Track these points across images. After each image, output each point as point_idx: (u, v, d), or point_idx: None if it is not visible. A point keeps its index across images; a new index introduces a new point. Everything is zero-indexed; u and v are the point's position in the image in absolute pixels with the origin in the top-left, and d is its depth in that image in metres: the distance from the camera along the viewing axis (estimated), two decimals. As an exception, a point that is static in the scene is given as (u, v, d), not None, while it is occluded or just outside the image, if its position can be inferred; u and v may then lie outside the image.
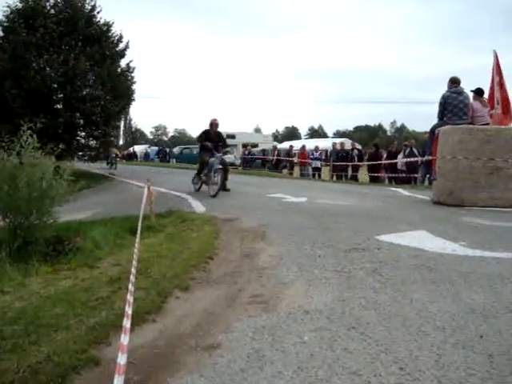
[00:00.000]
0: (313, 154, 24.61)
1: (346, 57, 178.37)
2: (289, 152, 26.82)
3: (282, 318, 3.46)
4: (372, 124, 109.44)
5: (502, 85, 11.41)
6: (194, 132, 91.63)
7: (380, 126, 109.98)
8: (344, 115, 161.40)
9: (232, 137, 38.57)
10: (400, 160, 17.94)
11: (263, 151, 30.23)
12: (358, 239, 6.00)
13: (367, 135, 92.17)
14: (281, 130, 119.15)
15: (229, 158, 34.27)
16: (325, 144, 33.47)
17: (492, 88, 11.37)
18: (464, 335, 3.04)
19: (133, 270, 3.39)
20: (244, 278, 4.62)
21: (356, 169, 21.68)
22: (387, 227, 6.79)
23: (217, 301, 4.01)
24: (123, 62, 22.80)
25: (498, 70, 11.40)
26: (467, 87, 10.66)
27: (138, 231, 5.13)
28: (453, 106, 10.01)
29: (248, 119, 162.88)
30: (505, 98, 11.44)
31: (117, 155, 29.75)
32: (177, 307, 3.89)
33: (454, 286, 4.02)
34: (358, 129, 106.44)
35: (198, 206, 9.67)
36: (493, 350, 2.81)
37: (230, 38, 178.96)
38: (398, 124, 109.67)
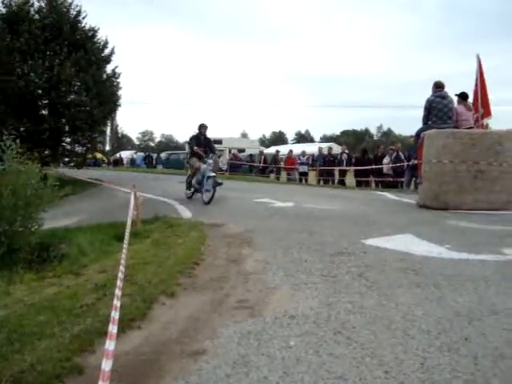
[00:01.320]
0: (299, 159, 24.63)
1: (332, 62, 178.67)
2: (275, 157, 26.83)
3: (267, 323, 3.45)
4: (359, 128, 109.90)
5: (484, 87, 11.50)
6: (182, 137, 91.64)
7: (367, 131, 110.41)
8: (331, 120, 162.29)
9: (219, 142, 38.55)
10: (385, 165, 18.03)
11: (250, 156, 30.20)
12: (344, 243, 6.02)
13: (354, 139, 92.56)
14: (268, 134, 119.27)
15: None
16: (311, 149, 33.53)
17: (476, 92, 11.46)
18: (449, 338, 3.05)
19: (120, 275, 3.37)
20: (230, 283, 4.60)
21: (343, 173, 21.73)
22: (374, 231, 6.82)
23: (203, 306, 4.00)
24: (109, 68, 22.71)
25: (481, 73, 11.50)
26: (451, 91, 10.77)
27: (126, 237, 5.09)
28: (437, 110, 10.09)
29: (235, 124, 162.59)
30: (485, 100, 11.52)
31: (103, 161, 29.62)
32: (162, 313, 3.87)
33: (439, 289, 4.04)
34: (344, 133, 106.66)
35: (185, 212, 9.65)
36: (477, 352, 2.82)
37: (217, 44, 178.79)
38: (385, 128, 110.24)
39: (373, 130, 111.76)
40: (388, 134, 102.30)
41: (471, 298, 3.79)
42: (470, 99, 11.40)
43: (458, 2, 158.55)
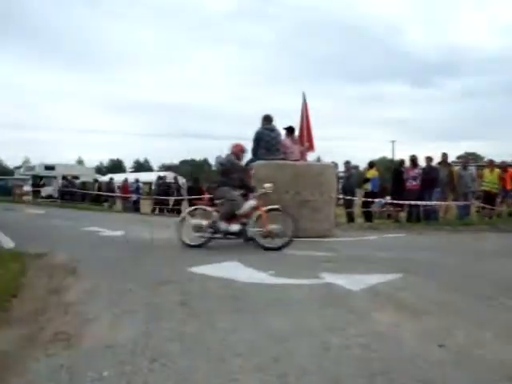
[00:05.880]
0: (134, 187, 24.33)
1: (175, 92, 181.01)
2: (109, 185, 26.20)
3: (82, 355, 3.31)
4: (198, 158, 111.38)
5: (308, 123, 12.29)
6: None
7: (205, 161, 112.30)
8: (171, 149, 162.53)
9: (51, 168, 36.82)
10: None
11: (83, 184, 29.19)
12: (171, 271, 6.04)
13: (193, 169, 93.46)
14: (105, 162, 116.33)
15: (46, 190, 32.75)
16: (149, 177, 33.33)
17: (302, 127, 12.21)
18: (260, 359, 3.17)
19: None
20: (48, 315, 4.34)
21: (178, 202, 21.80)
22: (202, 259, 6.92)
23: (16, 341, 3.72)
24: None
25: (306, 110, 12.28)
26: (284, 125, 11.44)
27: None
28: (266, 142, 10.56)
29: (70, 151, 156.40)
30: (309, 133, 12.30)
31: None
32: (-32, 352, 3.55)
33: (256, 314, 4.20)
34: (184, 163, 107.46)
35: (8, 242, 9.02)
36: (285, 371, 2.97)
37: (55, 70, 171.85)
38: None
39: (211, 161, 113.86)
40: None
41: (285, 321, 3.99)
42: (297, 133, 12.14)
43: (293, 44, 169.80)
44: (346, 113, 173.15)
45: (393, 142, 72.30)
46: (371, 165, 17.78)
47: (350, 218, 16.25)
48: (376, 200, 16.83)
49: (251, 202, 8.68)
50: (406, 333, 3.68)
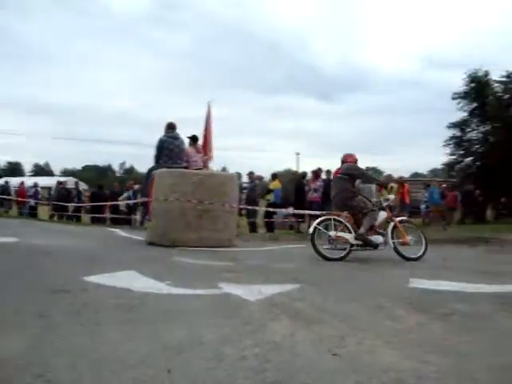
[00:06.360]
0: (32, 192, 23.31)
1: (78, 96, 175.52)
2: (4, 188, 24.92)
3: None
4: (101, 164, 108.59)
5: (209, 133, 12.38)
6: None
7: (109, 166, 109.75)
8: (73, 154, 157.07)
9: None
10: (121, 202, 18.11)
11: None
12: (64, 280, 5.77)
13: (96, 175, 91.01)
14: (2, 164, 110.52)
15: None
16: (49, 182, 32.05)
17: (205, 136, 12.28)
18: (153, 371, 3.13)
19: None
20: None
21: (78, 209, 21.14)
22: (97, 268, 6.70)
23: None
24: None
25: (209, 119, 12.36)
26: (184, 133, 11.39)
27: None
28: (169, 150, 10.56)
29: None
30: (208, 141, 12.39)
31: None
32: None
33: (152, 325, 4.10)
34: (86, 168, 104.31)
35: None
36: (178, 382, 2.95)
37: None
38: (128, 165, 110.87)
39: (115, 167, 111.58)
40: (131, 171, 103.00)
41: (181, 331, 3.94)
42: (200, 142, 12.19)
43: (201, 52, 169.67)
44: (253, 124, 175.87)
45: (297, 154, 74.10)
46: (274, 176, 18.15)
47: (253, 228, 16.47)
48: (278, 210, 17.14)
49: (384, 213, 8.84)
50: (301, 343, 3.73)
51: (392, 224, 8.96)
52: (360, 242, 8.80)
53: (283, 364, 3.28)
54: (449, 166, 32.12)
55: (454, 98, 30.65)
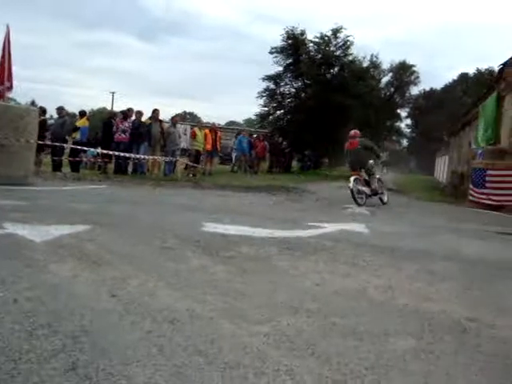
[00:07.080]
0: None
1: None
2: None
3: None
4: None
5: (10, 60, 11.25)
6: None
7: None
8: None
9: None
10: None
11: None
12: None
13: None
14: None
15: None
16: None
17: (3, 64, 11.12)
18: None
19: None
20: None
21: None
22: None
23: None
24: None
25: (8, 45, 11.22)
26: None
27: None
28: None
29: None
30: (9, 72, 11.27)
31: None
32: None
33: None
34: None
35: None
36: None
37: None
38: None
39: None
40: None
41: None
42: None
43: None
44: (71, 58, 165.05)
45: (113, 93, 71.77)
46: (82, 113, 17.25)
47: (57, 167, 15.55)
48: (87, 149, 16.42)
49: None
50: (82, 284, 3.66)
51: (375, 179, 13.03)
52: (372, 192, 12.72)
53: (58, 306, 3.20)
54: (261, 117, 33.49)
55: (271, 52, 31.89)
